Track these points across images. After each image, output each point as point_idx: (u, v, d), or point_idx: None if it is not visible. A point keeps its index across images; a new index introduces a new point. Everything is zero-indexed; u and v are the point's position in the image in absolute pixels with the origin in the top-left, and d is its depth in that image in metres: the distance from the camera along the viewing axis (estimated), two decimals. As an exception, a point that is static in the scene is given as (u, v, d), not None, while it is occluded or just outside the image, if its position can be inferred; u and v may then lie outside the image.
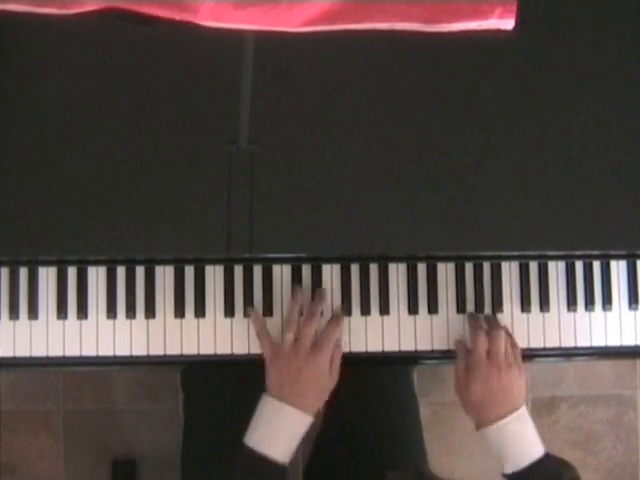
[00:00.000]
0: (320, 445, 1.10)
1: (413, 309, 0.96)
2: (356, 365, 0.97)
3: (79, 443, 1.57)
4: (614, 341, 0.99)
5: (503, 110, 0.87)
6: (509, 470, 0.89)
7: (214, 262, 0.95)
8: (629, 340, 0.99)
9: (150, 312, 0.95)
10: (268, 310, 0.95)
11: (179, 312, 0.95)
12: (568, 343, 0.99)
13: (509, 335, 0.94)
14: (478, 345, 0.90)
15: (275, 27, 0.81)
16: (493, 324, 0.94)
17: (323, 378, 0.90)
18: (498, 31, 0.84)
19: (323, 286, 0.96)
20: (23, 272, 0.95)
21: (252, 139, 0.84)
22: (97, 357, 0.95)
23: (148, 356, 0.95)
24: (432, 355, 0.98)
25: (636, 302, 0.99)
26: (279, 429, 0.86)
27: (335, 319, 0.93)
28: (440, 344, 0.97)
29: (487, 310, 0.97)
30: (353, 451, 1.04)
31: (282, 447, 0.86)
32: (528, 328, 0.98)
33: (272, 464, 0.85)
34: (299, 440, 0.88)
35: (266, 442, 0.85)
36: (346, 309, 0.95)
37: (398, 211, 0.86)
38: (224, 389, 1.03)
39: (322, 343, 0.90)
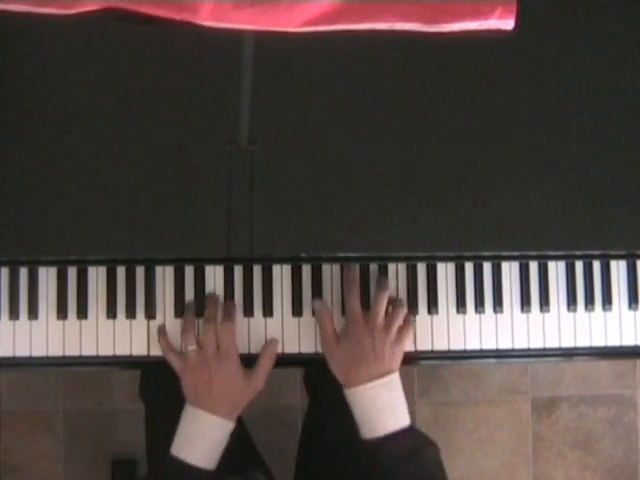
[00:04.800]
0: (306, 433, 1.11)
1: (413, 309, 0.96)
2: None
3: (79, 443, 1.57)
4: (614, 341, 0.99)
5: (503, 110, 0.87)
6: (367, 435, 0.86)
7: (214, 262, 0.95)
8: (629, 340, 0.99)
9: (150, 312, 0.95)
10: (268, 310, 0.95)
11: (179, 312, 0.95)
12: (568, 343, 0.99)
13: (406, 311, 0.92)
14: (351, 302, 0.89)
15: (275, 27, 0.81)
16: (380, 284, 0.91)
17: (236, 382, 0.89)
18: (498, 31, 0.84)
19: (323, 286, 0.96)
20: (23, 272, 0.95)
21: (252, 139, 0.84)
22: (97, 357, 0.95)
23: (148, 356, 0.95)
24: (432, 355, 0.98)
25: (636, 302, 0.99)
26: (198, 436, 0.87)
27: (225, 322, 0.91)
28: (440, 344, 0.97)
29: (488, 310, 0.97)
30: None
31: (203, 453, 0.87)
32: (528, 328, 0.98)
33: (195, 470, 0.86)
34: (222, 446, 0.88)
35: (187, 449, 0.86)
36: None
37: (398, 211, 0.86)
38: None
39: (222, 349, 0.89)
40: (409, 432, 0.86)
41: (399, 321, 0.91)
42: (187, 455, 0.86)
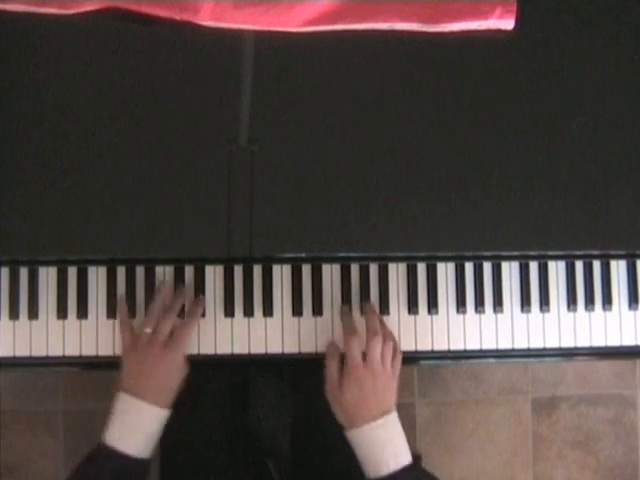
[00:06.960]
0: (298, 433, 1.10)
1: (413, 309, 0.97)
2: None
3: (79, 443, 1.57)
4: (614, 341, 0.99)
5: (503, 110, 0.87)
6: (370, 475, 0.86)
7: (214, 262, 0.95)
8: (629, 340, 0.99)
9: (150, 312, 0.95)
10: (268, 310, 0.95)
11: (179, 312, 0.95)
12: (568, 343, 0.99)
13: (393, 340, 0.92)
14: (352, 350, 0.89)
15: (275, 27, 0.81)
16: (371, 329, 0.91)
17: (176, 373, 0.90)
18: (498, 31, 0.84)
19: (323, 286, 0.96)
20: (23, 272, 0.95)
21: (252, 139, 0.84)
22: (97, 357, 0.95)
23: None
24: (432, 355, 0.98)
25: (636, 302, 0.99)
26: (135, 425, 0.87)
27: (189, 317, 0.93)
28: (440, 344, 0.97)
29: (488, 310, 0.97)
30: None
31: (140, 443, 0.86)
32: (528, 328, 0.98)
33: (131, 460, 0.85)
34: (157, 434, 0.88)
35: (124, 439, 0.86)
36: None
37: (398, 211, 0.86)
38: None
39: (177, 339, 0.90)
40: (411, 470, 0.87)
41: (390, 355, 0.91)
42: (125, 445, 0.85)
